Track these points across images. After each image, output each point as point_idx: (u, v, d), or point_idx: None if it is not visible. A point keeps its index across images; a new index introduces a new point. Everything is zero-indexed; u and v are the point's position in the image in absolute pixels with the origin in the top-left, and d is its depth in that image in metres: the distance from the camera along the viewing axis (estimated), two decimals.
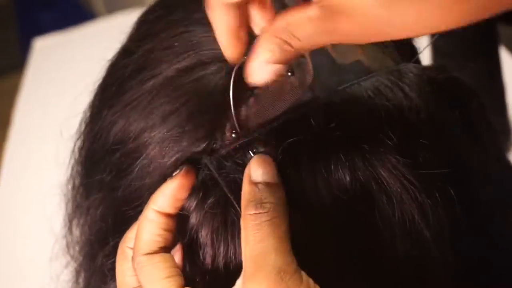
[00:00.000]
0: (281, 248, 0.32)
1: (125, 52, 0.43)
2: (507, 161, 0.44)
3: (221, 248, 0.35)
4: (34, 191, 1.00)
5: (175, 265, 0.35)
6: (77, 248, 0.47)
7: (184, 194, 0.36)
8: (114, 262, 0.38)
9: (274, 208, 0.33)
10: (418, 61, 0.42)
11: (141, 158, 0.38)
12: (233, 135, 0.36)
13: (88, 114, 0.45)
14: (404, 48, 0.42)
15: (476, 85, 0.41)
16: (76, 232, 0.46)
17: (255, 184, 0.34)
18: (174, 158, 0.37)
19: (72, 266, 0.48)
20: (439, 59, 0.84)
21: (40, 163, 1.03)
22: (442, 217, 0.36)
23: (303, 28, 0.31)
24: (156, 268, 0.34)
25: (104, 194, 0.41)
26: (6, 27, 2.34)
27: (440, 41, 0.78)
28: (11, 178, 1.05)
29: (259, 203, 0.33)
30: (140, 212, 0.37)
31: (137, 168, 0.38)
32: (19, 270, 0.89)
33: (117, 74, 0.41)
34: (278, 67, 0.33)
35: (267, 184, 0.34)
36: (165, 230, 0.36)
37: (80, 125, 0.45)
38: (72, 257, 0.48)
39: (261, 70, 0.33)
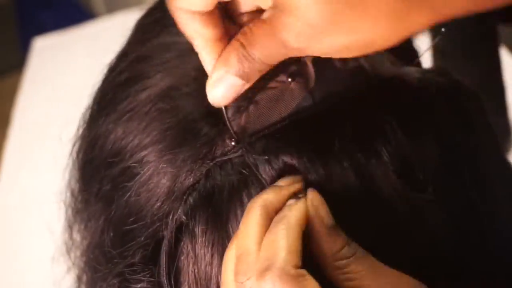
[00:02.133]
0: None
1: (122, 57, 0.43)
2: (507, 162, 0.44)
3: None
4: (34, 191, 1.00)
5: None
6: (78, 253, 0.47)
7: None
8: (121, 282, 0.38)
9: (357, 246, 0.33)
10: (418, 64, 0.42)
11: (140, 174, 0.38)
12: (233, 142, 0.36)
13: (85, 119, 0.44)
14: (405, 52, 0.42)
15: (476, 85, 0.41)
16: (77, 237, 0.46)
17: (330, 228, 0.33)
18: (172, 172, 0.37)
19: (74, 272, 0.48)
20: (439, 60, 0.84)
21: (40, 163, 1.03)
22: (443, 218, 0.36)
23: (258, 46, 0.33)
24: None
25: (104, 205, 0.40)
26: (6, 27, 2.34)
27: (440, 42, 0.78)
28: (10, 178, 1.05)
29: (346, 245, 0.33)
30: (139, 226, 0.37)
31: (136, 184, 0.38)
32: (18, 273, 0.89)
33: (114, 81, 0.41)
34: (240, 86, 0.33)
35: (337, 227, 0.33)
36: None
37: (78, 129, 0.45)
38: (74, 263, 0.48)
39: (221, 87, 0.34)
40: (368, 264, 0.32)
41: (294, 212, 0.33)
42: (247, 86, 0.34)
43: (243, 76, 0.33)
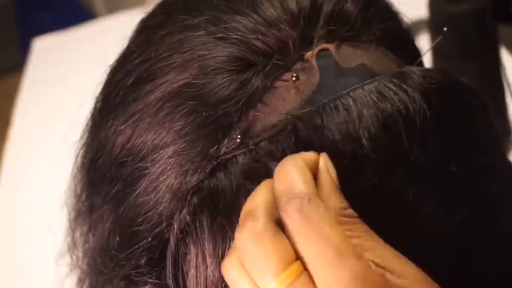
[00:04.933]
0: None
1: (126, 59, 0.42)
2: (509, 162, 0.44)
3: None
4: (34, 191, 1.00)
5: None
6: (80, 255, 0.46)
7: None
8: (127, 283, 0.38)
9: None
10: (420, 64, 0.42)
11: (149, 173, 0.38)
12: (238, 140, 0.36)
13: (91, 122, 0.44)
14: (407, 51, 0.42)
15: (476, 85, 0.41)
16: (80, 240, 0.46)
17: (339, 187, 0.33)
18: (182, 171, 0.37)
19: (76, 274, 0.48)
20: (439, 60, 0.84)
21: (40, 164, 1.04)
22: (447, 219, 0.36)
23: None
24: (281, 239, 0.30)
25: (110, 208, 0.40)
26: (6, 27, 2.34)
27: (440, 42, 0.78)
28: (11, 178, 1.05)
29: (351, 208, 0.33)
30: (146, 227, 0.37)
31: (144, 183, 0.38)
32: (19, 274, 0.89)
33: (120, 83, 0.41)
34: None
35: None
36: None
37: (83, 133, 0.45)
38: (75, 265, 0.47)
39: None
40: (369, 231, 0.32)
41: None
42: None
43: None
